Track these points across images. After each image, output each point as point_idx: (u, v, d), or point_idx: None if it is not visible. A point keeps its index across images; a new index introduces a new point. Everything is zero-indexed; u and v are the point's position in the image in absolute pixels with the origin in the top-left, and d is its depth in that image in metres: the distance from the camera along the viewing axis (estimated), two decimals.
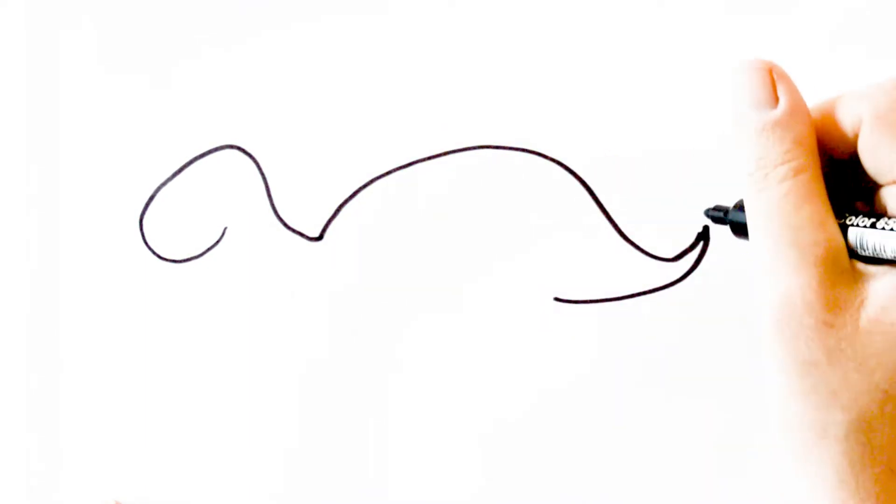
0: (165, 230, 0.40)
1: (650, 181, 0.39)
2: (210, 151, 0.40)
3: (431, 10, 0.40)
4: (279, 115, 0.40)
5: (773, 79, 0.31)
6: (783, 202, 0.29)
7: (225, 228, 0.40)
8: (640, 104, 0.40)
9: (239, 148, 0.40)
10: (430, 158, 0.40)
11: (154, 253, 0.40)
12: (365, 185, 0.40)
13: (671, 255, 0.39)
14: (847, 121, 0.30)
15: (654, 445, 0.39)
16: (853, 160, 0.30)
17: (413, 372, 0.39)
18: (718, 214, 0.35)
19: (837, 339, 0.28)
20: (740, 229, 0.34)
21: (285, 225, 0.40)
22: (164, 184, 0.40)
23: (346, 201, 0.40)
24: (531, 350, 0.39)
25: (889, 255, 0.28)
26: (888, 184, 0.29)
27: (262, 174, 0.40)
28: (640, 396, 0.39)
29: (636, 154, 0.40)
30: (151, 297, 0.40)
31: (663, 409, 0.39)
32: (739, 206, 0.34)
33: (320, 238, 0.40)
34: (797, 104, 0.30)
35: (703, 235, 0.39)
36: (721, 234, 0.39)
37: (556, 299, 0.39)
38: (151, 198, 0.40)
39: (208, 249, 0.40)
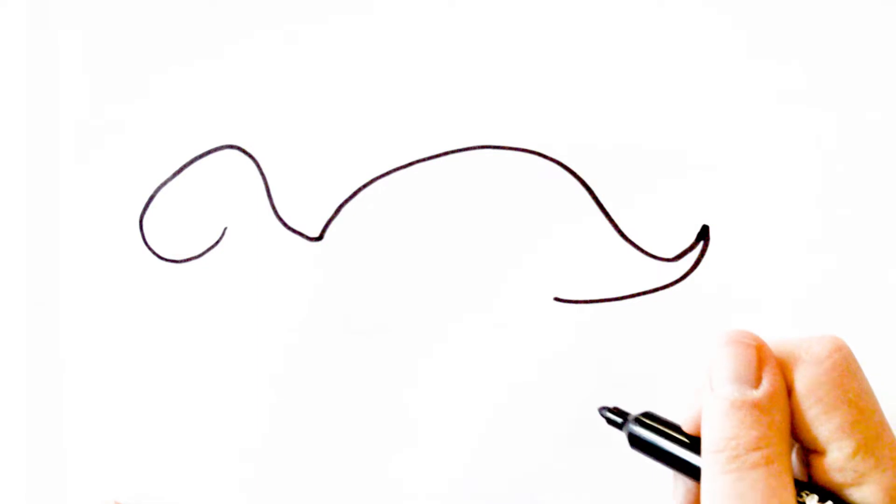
0: (165, 230, 0.40)
1: (650, 181, 0.39)
2: (210, 151, 0.40)
3: (432, 10, 0.40)
4: (279, 115, 0.40)
5: (760, 358, 0.30)
6: (752, 491, 0.29)
7: (225, 228, 0.40)
8: (641, 104, 0.40)
9: (239, 148, 0.40)
10: (430, 158, 0.40)
11: (154, 253, 0.40)
12: (365, 185, 0.40)
13: (671, 255, 0.39)
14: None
15: None
16: None
17: (413, 372, 0.39)
18: (615, 419, 0.34)
19: None
20: (638, 444, 0.33)
21: (285, 225, 0.40)
22: (164, 184, 0.40)
23: (346, 201, 0.40)
24: (531, 350, 0.39)
25: None
26: (811, 449, 0.29)
27: (262, 174, 0.40)
28: (640, 396, 0.39)
29: (636, 154, 0.40)
30: (151, 297, 0.40)
31: (663, 410, 0.39)
32: (640, 420, 0.33)
33: (320, 238, 0.40)
34: (779, 391, 0.30)
35: (703, 235, 0.39)
36: (721, 234, 0.39)
37: (556, 299, 0.39)
38: (151, 198, 0.40)
39: (208, 249, 0.40)
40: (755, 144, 0.39)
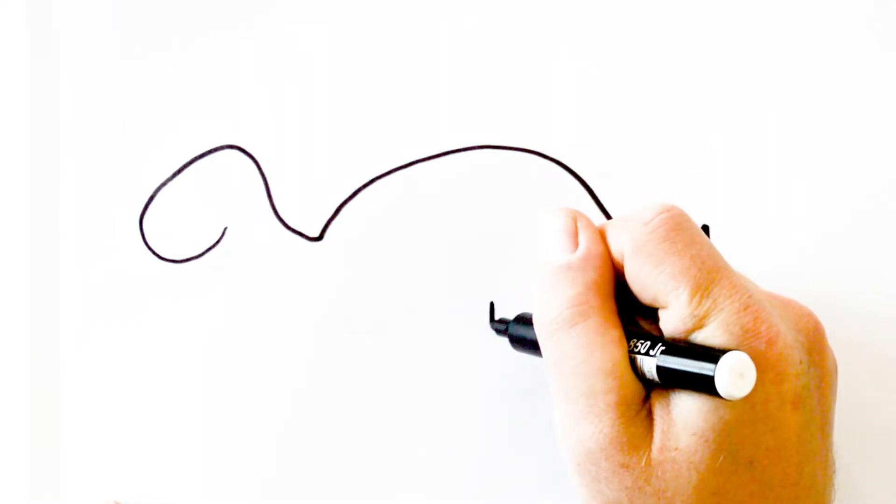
0: (165, 230, 0.40)
1: (650, 181, 0.39)
2: (210, 151, 0.40)
3: (432, 10, 0.40)
4: (279, 115, 0.40)
5: (577, 227, 0.32)
6: (574, 349, 0.29)
7: (225, 228, 0.40)
8: (641, 104, 0.40)
9: (239, 148, 0.40)
10: (430, 158, 0.40)
11: (154, 253, 0.40)
12: (365, 185, 0.40)
13: None
14: (615, 250, 0.31)
15: None
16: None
17: (413, 372, 0.39)
18: (500, 327, 0.37)
19: (634, 478, 0.28)
20: (518, 342, 0.36)
21: (285, 225, 0.40)
22: (164, 184, 0.40)
23: (346, 201, 0.40)
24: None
25: (648, 376, 0.29)
26: (656, 307, 0.30)
27: (262, 174, 0.40)
28: None
29: (636, 154, 0.40)
30: (151, 297, 0.40)
31: None
32: (519, 319, 0.36)
33: (320, 238, 0.40)
34: (593, 251, 0.31)
35: None
36: (721, 234, 0.39)
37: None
38: (151, 198, 0.40)
39: (208, 249, 0.40)
40: (755, 144, 0.39)
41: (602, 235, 0.31)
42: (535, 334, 0.32)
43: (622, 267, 0.30)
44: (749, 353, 0.27)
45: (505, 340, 0.38)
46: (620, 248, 0.30)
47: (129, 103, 0.40)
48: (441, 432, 0.39)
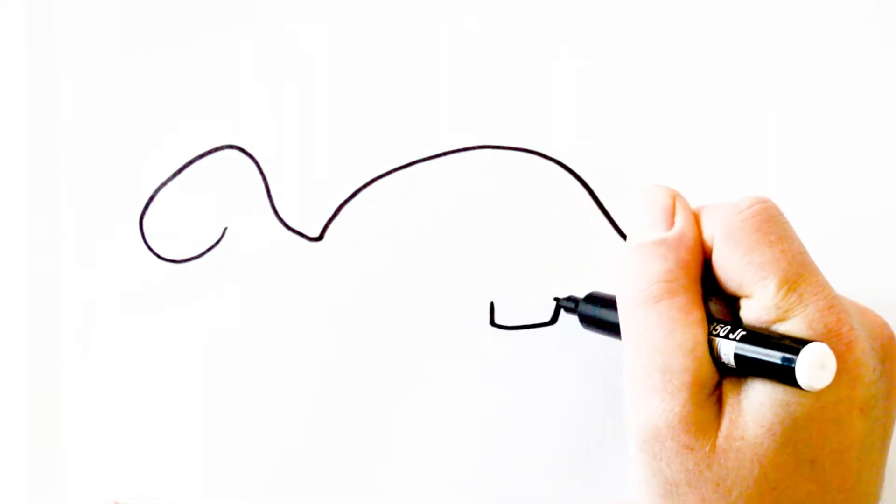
0: (165, 230, 0.40)
1: (650, 181, 0.39)
2: (210, 151, 0.40)
3: (432, 10, 0.40)
4: (279, 115, 0.40)
5: (675, 206, 0.32)
6: (657, 323, 0.29)
7: (225, 228, 0.40)
8: (641, 104, 0.40)
9: (239, 148, 0.40)
10: (430, 158, 0.40)
11: (154, 253, 0.40)
12: (365, 185, 0.40)
13: None
14: (705, 234, 0.31)
15: None
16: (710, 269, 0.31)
17: (413, 372, 0.39)
18: (569, 305, 0.37)
19: (696, 461, 0.28)
20: (590, 321, 0.36)
21: (285, 225, 0.40)
22: (164, 184, 0.40)
23: (346, 201, 0.40)
24: (532, 349, 0.39)
25: (724, 360, 0.29)
26: (739, 295, 0.30)
27: (262, 174, 0.40)
28: None
29: (636, 154, 0.40)
30: (151, 297, 0.40)
31: None
32: (590, 298, 0.36)
33: (320, 238, 0.40)
34: (688, 232, 0.31)
35: None
36: None
37: (556, 299, 0.39)
38: (151, 198, 0.40)
39: (208, 249, 0.40)
40: (755, 144, 0.39)
41: (695, 219, 0.32)
42: (607, 314, 0.33)
43: (710, 252, 0.30)
44: None
45: (506, 343, 0.38)
46: (711, 232, 0.30)
47: (129, 103, 0.40)
48: (441, 432, 0.39)
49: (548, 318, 0.39)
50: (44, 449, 0.39)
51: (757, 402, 0.28)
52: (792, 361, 0.27)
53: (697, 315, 0.30)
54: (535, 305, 0.39)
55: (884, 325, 0.31)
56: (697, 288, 0.30)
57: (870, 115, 0.39)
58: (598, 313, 0.35)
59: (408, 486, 0.39)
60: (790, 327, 0.28)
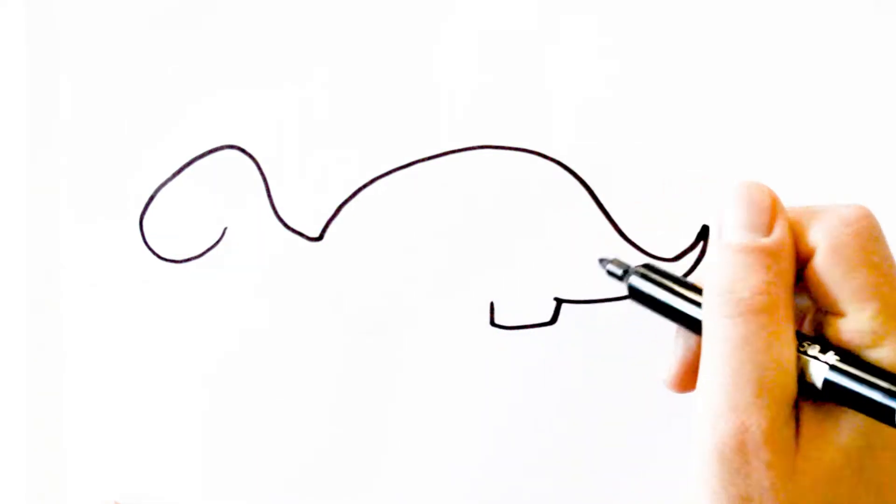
0: (165, 230, 0.40)
1: (650, 181, 0.39)
2: (210, 151, 0.40)
3: (432, 10, 0.40)
4: (279, 115, 0.40)
5: (774, 207, 0.30)
6: (754, 336, 0.28)
7: (225, 228, 0.40)
8: (641, 104, 0.40)
9: (239, 148, 0.40)
10: (430, 158, 0.40)
11: (154, 253, 0.40)
12: (365, 185, 0.40)
13: (671, 255, 0.39)
14: (803, 241, 0.29)
15: (654, 445, 0.39)
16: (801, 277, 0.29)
17: (413, 372, 0.39)
18: (616, 270, 0.33)
19: (773, 479, 0.28)
20: (639, 297, 0.32)
21: (285, 225, 0.40)
22: (164, 184, 0.40)
23: (346, 201, 0.40)
24: (532, 349, 0.39)
25: (810, 381, 0.28)
26: (832, 311, 0.29)
27: (262, 174, 0.40)
28: (640, 396, 0.39)
29: (636, 154, 0.40)
30: (151, 296, 0.40)
31: (664, 410, 0.39)
32: (641, 272, 0.32)
33: (320, 238, 0.40)
34: (788, 241, 0.29)
35: (703, 235, 0.39)
36: None
37: (556, 299, 0.39)
38: (151, 198, 0.40)
39: (208, 249, 0.40)
40: (755, 144, 0.39)
41: (792, 221, 0.30)
42: (669, 297, 0.31)
43: (808, 259, 0.29)
44: None
45: (506, 343, 0.38)
46: (815, 240, 0.29)
47: (129, 103, 0.40)
48: (441, 432, 0.39)
49: (548, 318, 0.39)
50: (44, 449, 0.39)
51: (838, 425, 0.28)
52: (893, 400, 0.26)
53: (791, 330, 0.29)
54: (535, 305, 0.39)
55: None
56: (792, 300, 0.29)
57: (871, 116, 0.39)
58: (653, 292, 0.32)
59: (407, 486, 0.39)
60: (882, 354, 0.27)
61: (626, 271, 0.32)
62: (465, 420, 0.39)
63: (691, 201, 0.39)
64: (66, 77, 0.40)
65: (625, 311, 0.39)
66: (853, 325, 0.28)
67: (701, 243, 0.39)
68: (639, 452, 0.39)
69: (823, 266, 0.29)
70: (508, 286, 0.39)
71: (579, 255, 0.39)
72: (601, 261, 0.33)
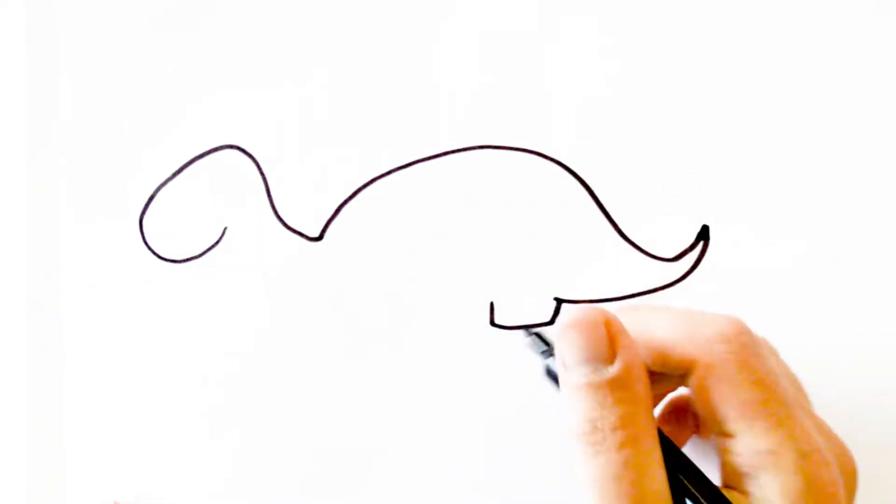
0: (165, 230, 0.40)
1: (650, 181, 0.39)
2: (210, 151, 0.40)
3: (432, 10, 0.40)
4: (279, 115, 0.40)
5: (611, 334, 0.29)
6: (623, 472, 0.28)
7: (225, 228, 0.40)
8: (641, 104, 0.40)
9: (239, 148, 0.40)
10: (430, 158, 0.40)
11: (154, 253, 0.40)
12: (365, 185, 0.40)
13: (671, 255, 0.39)
14: (674, 354, 0.29)
15: None
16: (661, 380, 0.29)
17: (413, 372, 0.39)
18: (542, 349, 0.33)
19: None
20: (551, 376, 0.32)
21: (285, 225, 0.40)
22: (164, 184, 0.40)
23: (346, 201, 0.40)
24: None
25: None
26: (719, 432, 0.28)
27: (262, 174, 0.40)
28: None
29: (636, 154, 0.40)
30: (151, 296, 0.40)
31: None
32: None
33: (320, 238, 0.40)
34: (635, 364, 0.28)
35: (703, 235, 0.39)
36: (721, 234, 0.39)
37: (557, 299, 0.39)
38: (151, 198, 0.40)
39: (208, 249, 0.40)
40: (755, 144, 0.39)
41: (653, 329, 0.29)
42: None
43: (675, 367, 0.29)
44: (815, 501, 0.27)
45: (506, 343, 0.38)
46: (687, 356, 0.28)
47: (129, 103, 0.40)
48: (441, 432, 0.39)
49: (548, 318, 0.39)
50: (44, 449, 0.39)
51: None
52: None
53: (658, 458, 0.28)
54: (535, 305, 0.39)
55: (850, 457, 0.30)
56: (654, 423, 0.28)
57: (871, 116, 0.39)
58: None
59: (407, 485, 0.39)
60: (787, 482, 0.27)
61: (549, 347, 0.32)
62: (466, 420, 0.39)
63: (691, 201, 0.39)
64: (66, 77, 0.40)
65: None
66: (744, 447, 0.27)
67: (701, 243, 0.39)
68: None
69: (704, 386, 0.28)
70: (508, 286, 0.39)
71: (579, 255, 0.39)
72: (527, 333, 0.33)
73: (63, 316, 0.40)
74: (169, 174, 0.40)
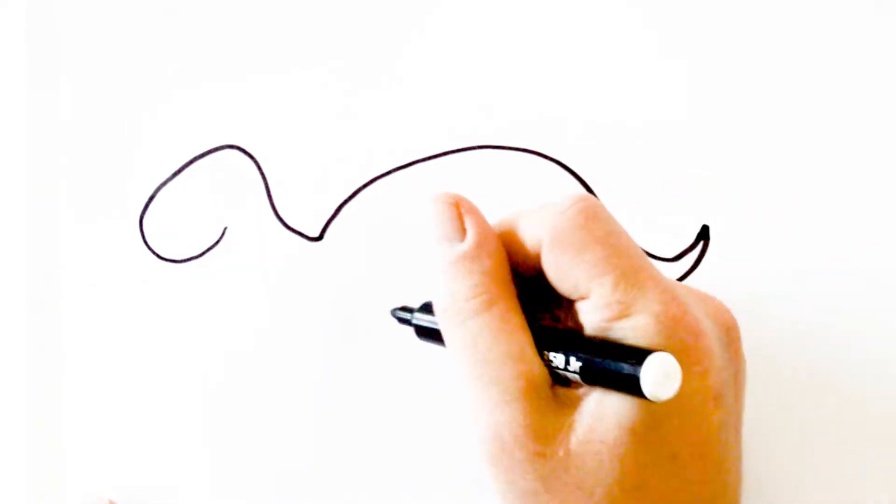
0: (165, 230, 0.40)
1: (650, 181, 0.39)
2: (210, 151, 0.40)
3: (432, 10, 0.40)
4: (279, 115, 0.40)
5: (461, 213, 0.31)
6: (479, 338, 0.29)
7: (225, 228, 0.40)
8: (641, 104, 0.40)
9: (239, 148, 0.40)
10: (430, 158, 0.40)
11: (154, 253, 0.40)
12: (365, 185, 0.40)
13: (671, 255, 0.39)
14: (529, 242, 0.30)
15: None
16: (542, 276, 0.30)
17: (413, 372, 0.39)
18: (405, 316, 0.35)
19: (552, 468, 0.27)
20: (423, 332, 0.34)
21: (285, 225, 0.40)
22: (164, 184, 0.40)
23: (346, 201, 0.40)
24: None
25: (571, 376, 0.28)
26: (576, 298, 0.29)
27: (262, 174, 0.40)
28: None
29: (636, 154, 0.40)
30: (151, 296, 0.40)
31: None
32: (424, 308, 0.34)
33: (320, 238, 0.40)
34: (485, 237, 0.30)
35: (703, 235, 0.39)
36: (721, 234, 0.39)
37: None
38: (151, 198, 0.40)
39: (208, 249, 0.40)
40: (755, 144, 0.39)
41: (513, 226, 0.31)
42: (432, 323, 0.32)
43: (538, 258, 0.29)
44: (677, 346, 0.27)
45: None
46: (537, 238, 0.29)
47: (129, 103, 0.40)
48: (441, 431, 0.39)
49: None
50: (44, 449, 0.39)
51: (614, 404, 0.27)
52: (636, 372, 0.26)
53: (517, 320, 0.29)
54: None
55: (726, 312, 0.30)
56: (511, 290, 0.30)
57: (872, 116, 0.39)
58: (433, 323, 0.33)
59: (407, 485, 0.39)
60: (636, 324, 0.27)
61: (412, 314, 0.35)
62: (466, 419, 0.39)
63: (691, 201, 0.39)
64: (66, 77, 0.40)
65: None
66: (598, 301, 0.28)
67: (701, 243, 0.39)
68: None
69: (551, 257, 0.29)
70: None
71: None
72: (392, 311, 0.36)
73: (63, 316, 0.40)
74: (169, 174, 0.40)
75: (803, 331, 0.39)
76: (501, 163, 0.40)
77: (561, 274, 0.29)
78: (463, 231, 0.31)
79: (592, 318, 0.28)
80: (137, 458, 0.40)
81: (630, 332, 0.27)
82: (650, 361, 0.26)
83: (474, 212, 0.31)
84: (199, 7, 0.40)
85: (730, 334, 0.30)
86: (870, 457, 0.38)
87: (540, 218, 0.29)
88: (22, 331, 0.40)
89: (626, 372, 0.26)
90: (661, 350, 0.26)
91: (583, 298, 0.28)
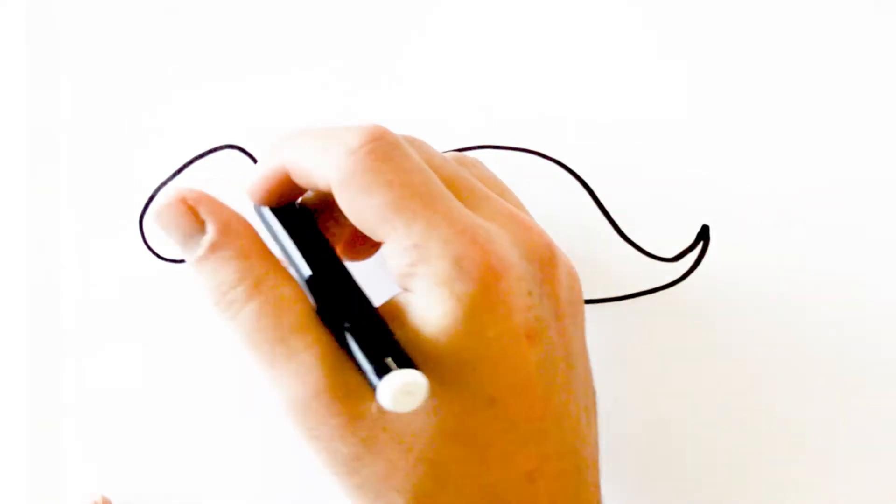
0: None
1: (650, 181, 0.39)
2: (210, 151, 0.40)
3: (431, 10, 0.40)
4: (279, 115, 0.40)
5: (190, 206, 0.30)
6: (259, 320, 0.28)
7: None
8: (642, 104, 0.40)
9: (239, 148, 0.40)
10: None
11: (154, 253, 0.40)
12: None
13: (671, 255, 0.39)
14: (320, 182, 0.29)
15: (652, 445, 0.39)
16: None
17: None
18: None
19: (369, 427, 0.27)
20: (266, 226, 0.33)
21: None
22: (164, 184, 0.40)
23: None
24: None
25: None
26: (377, 241, 0.28)
27: None
28: (639, 396, 0.39)
29: (636, 154, 0.40)
30: (151, 296, 0.40)
31: (663, 410, 0.39)
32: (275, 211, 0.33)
33: None
34: (226, 220, 0.29)
35: (703, 235, 0.39)
36: (721, 234, 0.39)
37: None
38: (151, 198, 0.40)
39: None
40: (755, 145, 0.40)
41: (300, 158, 0.29)
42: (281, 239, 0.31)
43: (330, 193, 0.29)
44: (476, 287, 0.26)
45: None
46: (326, 179, 0.28)
47: (129, 103, 0.40)
48: None
49: None
50: (44, 449, 0.39)
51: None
52: (377, 383, 0.26)
53: (289, 291, 0.29)
54: None
55: (543, 245, 0.29)
56: (273, 260, 0.29)
57: (872, 115, 0.39)
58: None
59: None
60: (435, 269, 0.27)
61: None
62: None
63: (691, 201, 0.39)
64: (66, 77, 0.40)
65: (625, 311, 0.39)
66: (394, 246, 0.27)
67: (701, 243, 0.39)
68: (638, 450, 0.39)
69: (343, 201, 0.28)
70: None
71: (579, 255, 0.39)
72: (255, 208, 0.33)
73: (63, 316, 0.40)
74: (169, 174, 0.40)
75: (803, 331, 0.39)
76: (501, 163, 0.40)
77: (355, 217, 0.28)
78: (200, 222, 0.30)
79: (394, 264, 0.28)
80: (138, 458, 0.39)
81: (432, 278, 0.27)
82: (390, 378, 0.26)
83: (204, 199, 0.30)
84: (199, 7, 0.40)
85: (544, 269, 0.29)
86: (870, 457, 0.38)
87: (328, 156, 0.28)
88: (22, 331, 0.40)
89: (369, 377, 0.27)
90: (460, 295, 0.26)
91: (382, 243, 0.28)
